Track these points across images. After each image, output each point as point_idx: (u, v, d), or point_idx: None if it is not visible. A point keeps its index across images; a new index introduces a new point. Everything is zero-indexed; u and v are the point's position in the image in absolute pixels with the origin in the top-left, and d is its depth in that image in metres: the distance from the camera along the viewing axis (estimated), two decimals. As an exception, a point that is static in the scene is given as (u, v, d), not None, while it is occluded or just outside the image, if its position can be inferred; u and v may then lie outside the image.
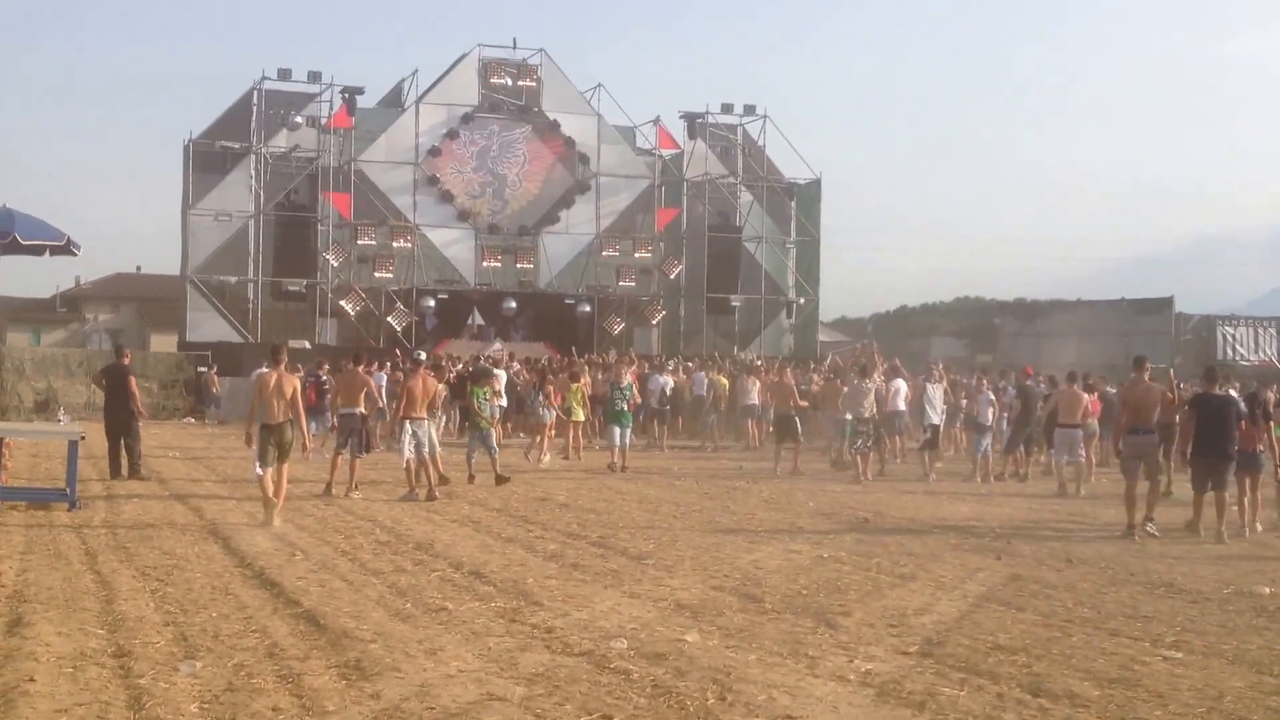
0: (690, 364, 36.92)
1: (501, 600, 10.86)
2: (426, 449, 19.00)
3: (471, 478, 20.60)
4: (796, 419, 25.74)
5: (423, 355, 21.51)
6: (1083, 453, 22.36)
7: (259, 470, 15.71)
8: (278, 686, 7.79)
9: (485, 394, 21.26)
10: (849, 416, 24.33)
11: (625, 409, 24.88)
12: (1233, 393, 18.43)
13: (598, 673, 8.34)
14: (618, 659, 8.72)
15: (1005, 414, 26.55)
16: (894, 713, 7.56)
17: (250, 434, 16.08)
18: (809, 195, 50.60)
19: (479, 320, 47.60)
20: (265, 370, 16.56)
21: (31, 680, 7.63)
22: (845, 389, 25.30)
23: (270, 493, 15.52)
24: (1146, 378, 17.45)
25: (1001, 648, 9.38)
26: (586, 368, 31.77)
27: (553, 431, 26.86)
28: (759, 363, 38.29)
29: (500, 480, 20.25)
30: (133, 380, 21.12)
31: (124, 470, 20.30)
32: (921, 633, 9.90)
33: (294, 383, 16.21)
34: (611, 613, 10.42)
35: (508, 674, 8.24)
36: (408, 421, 18.89)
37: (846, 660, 8.89)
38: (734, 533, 15.92)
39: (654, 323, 48.87)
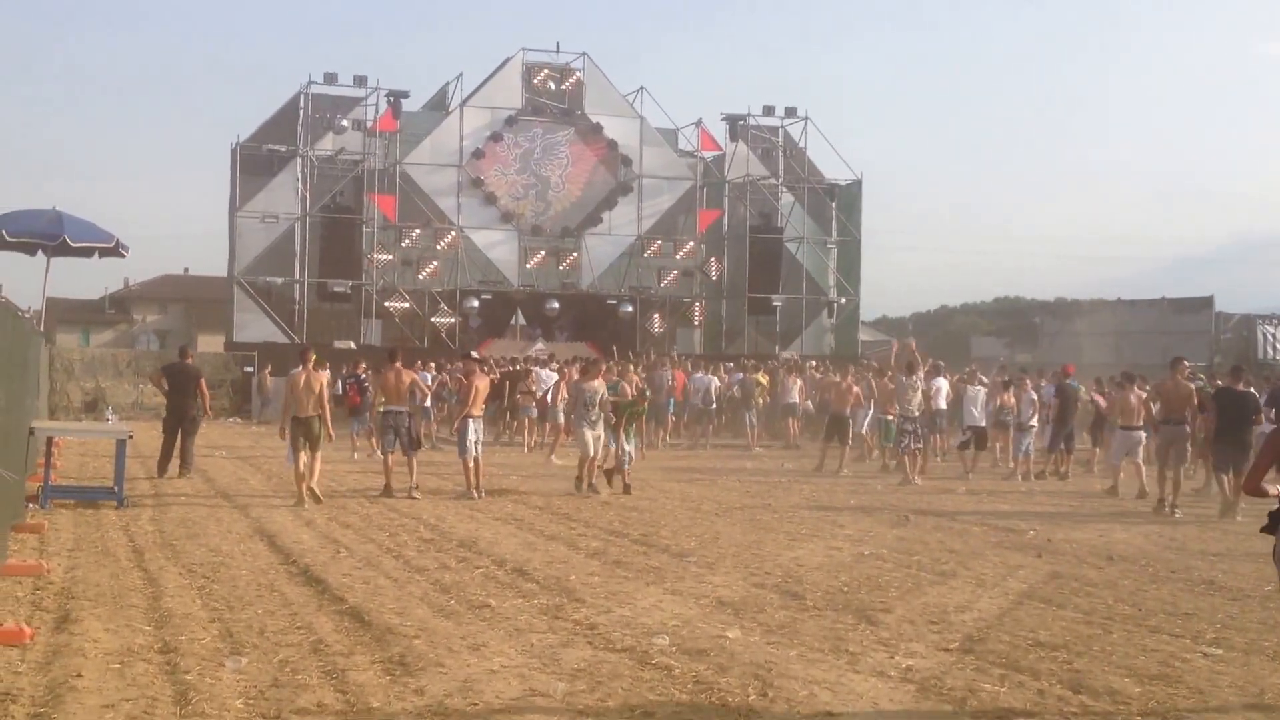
0: (730, 364, 37.00)
1: (544, 597, 10.92)
2: (481, 447, 19.22)
3: (627, 488, 19.85)
4: (850, 420, 25.79)
5: (477, 355, 21.52)
6: (1140, 455, 21.95)
7: (290, 459, 17.83)
8: (322, 682, 7.86)
9: (637, 411, 20.88)
10: (888, 416, 24.33)
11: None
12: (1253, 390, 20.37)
13: (639, 669, 8.38)
14: (659, 655, 8.75)
15: (1046, 413, 26.41)
16: (934, 709, 7.57)
17: (284, 427, 17.91)
18: (850, 196, 50.47)
19: (522, 321, 47.72)
20: (296, 371, 18.25)
21: (79, 676, 7.73)
22: (886, 387, 25.32)
23: (301, 478, 17.29)
24: (1181, 377, 19.78)
25: (1042, 644, 9.37)
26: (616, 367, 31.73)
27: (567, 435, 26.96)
28: (812, 363, 38.33)
29: (625, 489, 19.74)
30: (203, 381, 21.43)
31: (174, 468, 20.52)
32: (962, 629, 9.90)
33: (321, 381, 18.04)
34: (653, 609, 10.47)
35: (550, 670, 8.29)
36: (470, 420, 19.04)
37: (887, 656, 8.90)
38: (775, 530, 15.95)
39: (696, 323, 48.83)
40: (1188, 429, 19.93)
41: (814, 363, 38.86)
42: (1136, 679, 8.37)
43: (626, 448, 20.13)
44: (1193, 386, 20.09)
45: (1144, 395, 21.85)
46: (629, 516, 16.99)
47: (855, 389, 26.33)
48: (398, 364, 19.58)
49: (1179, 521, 18.05)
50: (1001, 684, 8.17)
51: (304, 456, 17.44)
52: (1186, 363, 20.01)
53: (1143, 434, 21.31)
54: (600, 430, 19.63)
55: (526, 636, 9.28)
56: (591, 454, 19.60)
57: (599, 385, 19.90)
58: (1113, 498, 21.02)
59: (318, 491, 17.56)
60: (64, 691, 7.37)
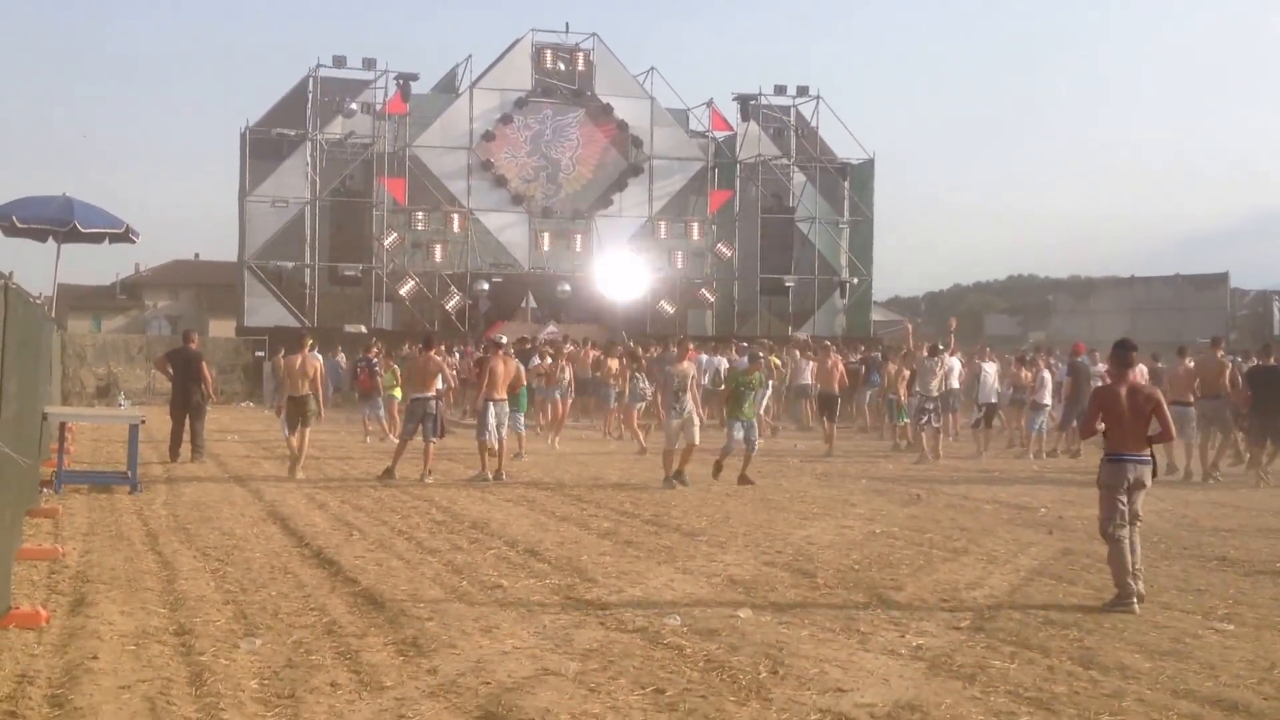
0: (744, 344, 36.95)
1: (556, 577, 10.97)
2: (504, 430, 19.28)
3: (745, 478, 18.47)
4: (838, 399, 25.86)
5: (504, 339, 21.43)
6: (1192, 431, 21.42)
7: (286, 433, 19.47)
8: (336, 663, 7.91)
9: (755, 381, 19.31)
10: (900, 395, 24.36)
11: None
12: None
13: (651, 648, 8.42)
14: (671, 635, 8.79)
15: (1059, 391, 26.38)
16: (945, 685, 7.59)
17: (280, 406, 19.95)
18: (862, 175, 50.33)
19: (533, 303, 47.75)
20: (292, 355, 19.87)
21: (95, 658, 7.78)
22: (896, 369, 25.35)
23: (295, 451, 18.94)
24: (1219, 355, 21.12)
25: (1053, 622, 9.40)
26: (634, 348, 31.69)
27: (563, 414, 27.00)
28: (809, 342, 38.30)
29: (744, 480, 18.41)
30: (205, 365, 21.43)
31: (187, 452, 20.59)
32: (973, 607, 9.92)
33: (315, 364, 19.48)
34: (665, 589, 10.51)
35: (562, 650, 8.33)
36: (490, 403, 19.07)
37: (898, 635, 8.93)
38: (786, 510, 15.97)
39: (708, 304, 48.78)
40: (1224, 402, 20.83)
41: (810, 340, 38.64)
42: (1147, 655, 8.39)
43: (737, 436, 18.41)
44: (1228, 362, 21.19)
45: (1190, 368, 21.81)
46: (640, 497, 17.03)
47: (841, 368, 26.39)
48: (430, 350, 19.57)
49: (1211, 486, 19.77)
50: (1012, 660, 8.20)
51: (300, 432, 19.06)
52: (1223, 343, 21.61)
53: (1192, 410, 21.19)
54: (689, 417, 18.29)
55: (538, 617, 9.32)
56: (677, 445, 18.40)
57: (688, 368, 19.05)
58: (1172, 474, 20.62)
59: (300, 474, 18.75)
60: (80, 673, 7.42)
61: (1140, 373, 21.45)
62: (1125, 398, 10.32)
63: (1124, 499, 10.17)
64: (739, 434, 18.39)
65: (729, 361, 33.07)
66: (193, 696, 7.08)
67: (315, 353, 20.78)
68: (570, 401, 28.23)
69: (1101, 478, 10.35)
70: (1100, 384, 25.27)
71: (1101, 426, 10.48)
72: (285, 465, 19.43)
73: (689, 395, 18.48)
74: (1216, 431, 20.98)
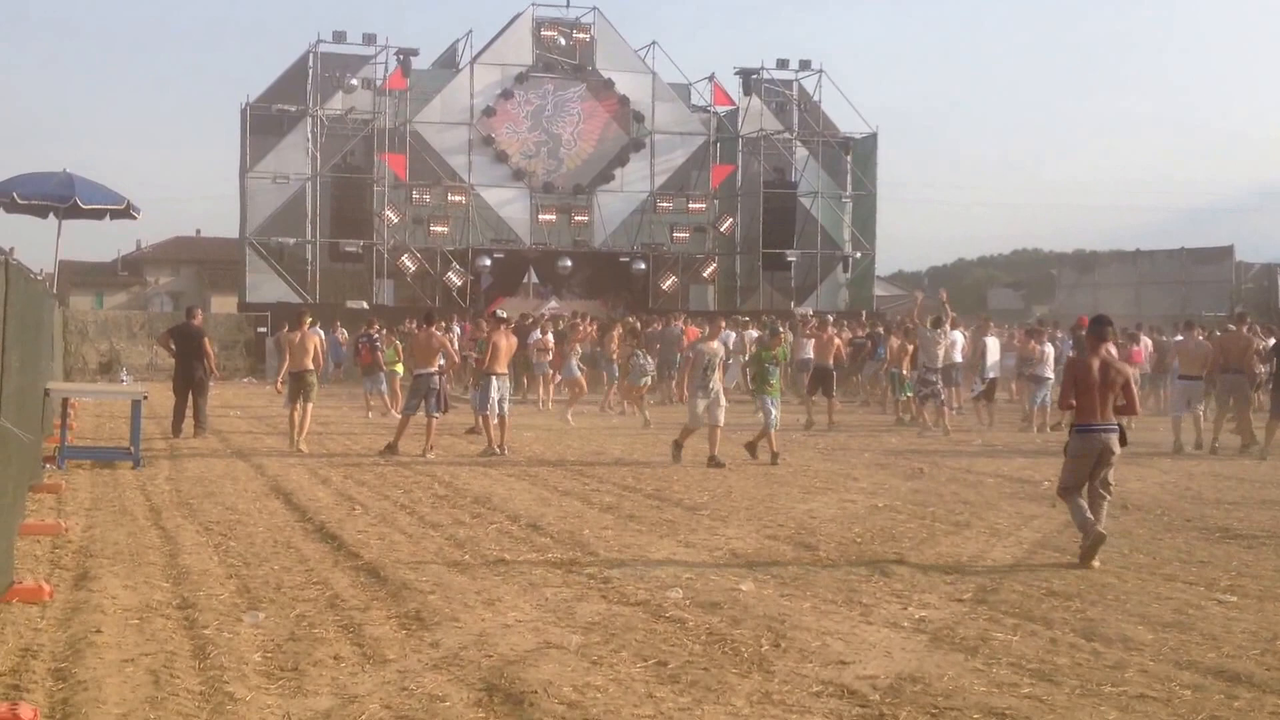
0: (745, 319, 36.88)
1: (558, 551, 10.98)
2: (508, 405, 19.26)
3: (775, 456, 18.25)
4: (834, 372, 25.84)
5: (503, 314, 21.40)
6: (1201, 405, 21.80)
7: (287, 405, 19.90)
8: (339, 636, 7.92)
9: (779, 355, 19.44)
10: (903, 369, 24.35)
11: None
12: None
13: (653, 621, 8.42)
14: (673, 608, 8.80)
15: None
16: (947, 658, 7.59)
17: (281, 380, 20.41)
18: (865, 149, 50.15)
19: (534, 279, 47.67)
20: (293, 331, 20.67)
21: (99, 632, 7.79)
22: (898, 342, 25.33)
23: (296, 425, 19.35)
24: (1243, 329, 21.47)
25: (1056, 593, 9.40)
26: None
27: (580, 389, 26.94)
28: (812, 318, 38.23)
29: (774, 458, 18.17)
30: (207, 341, 21.42)
31: (190, 427, 20.62)
32: (976, 580, 9.93)
33: (314, 340, 20.25)
34: (667, 563, 10.51)
35: (565, 623, 8.34)
36: (492, 377, 19.05)
37: (900, 607, 8.94)
38: (789, 484, 15.98)
39: (709, 279, 48.67)
40: (1246, 377, 21.09)
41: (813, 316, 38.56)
42: (1150, 626, 8.39)
43: (774, 411, 18.37)
44: (1252, 338, 21.48)
45: (1207, 342, 21.85)
46: (642, 472, 17.03)
47: (837, 341, 26.40)
48: (430, 326, 19.58)
49: (1216, 458, 19.76)
50: (1014, 633, 8.20)
51: (300, 407, 19.53)
52: (1249, 319, 22.54)
53: (1200, 384, 21.33)
54: (716, 398, 17.95)
55: (541, 590, 9.33)
56: (703, 424, 18.05)
57: (717, 347, 18.64)
58: (1178, 452, 20.47)
59: (303, 446, 19.16)
60: (84, 647, 7.44)
61: (1147, 347, 21.63)
62: (1097, 371, 10.81)
63: (1085, 468, 10.84)
64: (771, 409, 18.31)
65: (734, 335, 33.18)
66: (196, 670, 7.09)
67: (316, 328, 21.27)
68: (584, 376, 28.08)
69: (1070, 447, 10.99)
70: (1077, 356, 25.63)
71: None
72: (287, 440, 19.47)
73: (717, 375, 18.16)
74: (1234, 404, 21.00)
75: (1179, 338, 26.95)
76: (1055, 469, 17.48)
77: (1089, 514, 10.70)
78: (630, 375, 26.01)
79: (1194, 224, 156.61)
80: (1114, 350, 25.47)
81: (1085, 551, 10.58)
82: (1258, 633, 8.28)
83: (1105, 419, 10.82)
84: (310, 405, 19.77)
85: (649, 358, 26.24)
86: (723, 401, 18.08)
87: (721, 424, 18.10)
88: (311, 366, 19.75)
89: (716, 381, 18.03)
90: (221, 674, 6.98)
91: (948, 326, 24.32)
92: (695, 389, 18.05)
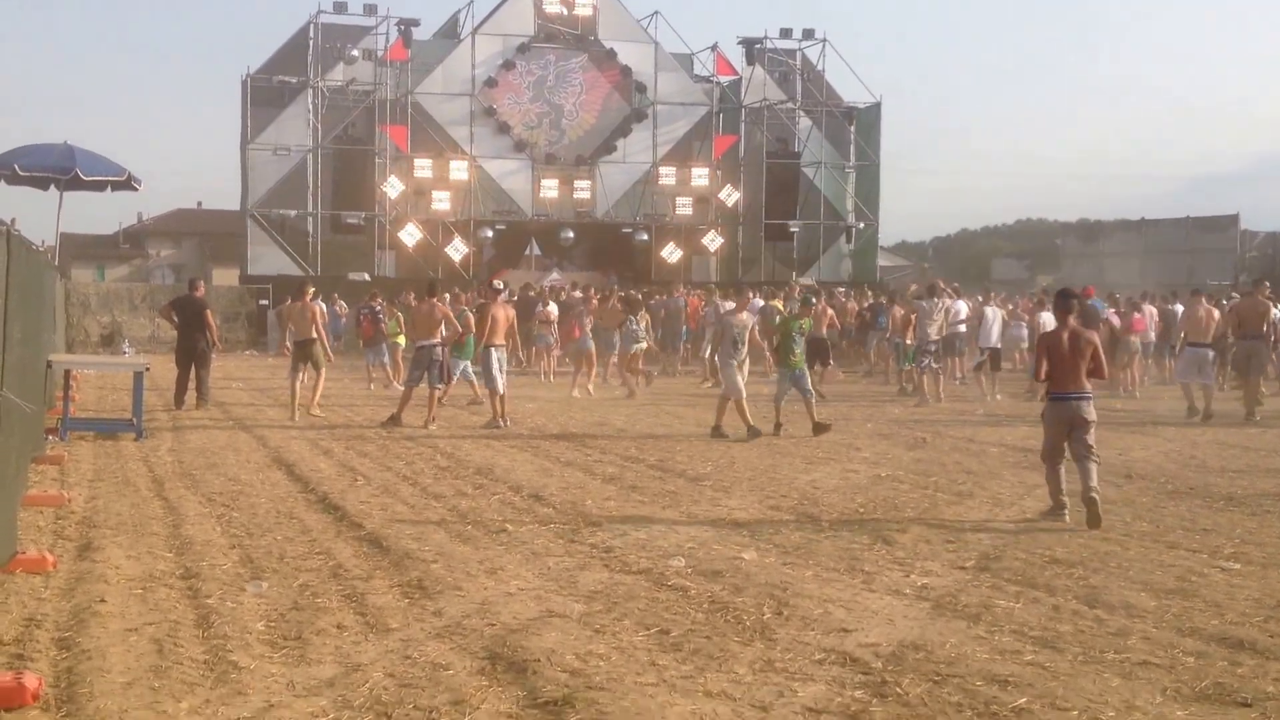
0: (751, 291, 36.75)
1: (560, 521, 10.99)
2: (504, 376, 19.22)
3: (779, 426, 18.26)
4: (828, 343, 25.86)
5: (500, 284, 21.31)
6: (1212, 373, 21.84)
7: (289, 378, 20.26)
8: (342, 605, 7.93)
9: (806, 326, 19.32)
10: (905, 339, 24.34)
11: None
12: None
13: (655, 590, 8.43)
14: (675, 577, 8.81)
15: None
16: (949, 625, 7.60)
17: (285, 348, 20.74)
18: (869, 119, 49.95)
19: (537, 250, 47.60)
20: (296, 302, 20.72)
21: (102, 601, 7.80)
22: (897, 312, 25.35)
23: (297, 395, 19.83)
24: (1261, 296, 21.63)
25: (1058, 561, 9.40)
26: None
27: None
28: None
29: (819, 429, 17.94)
30: (209, 313, 21.38)
31: (192, 399, 20.63)
32: (978, 548, 9.93)
33: (316, 310, 20.43)
34: (669, 532, 10.52)
35: (567, 592, 8.35)
36: (492, 349, 19.02)
37: (903, 575, 8.95)
38: (791, 454, 15.99)
39: (715, 254, 48.54)
40: (1263, 342, 21.62)
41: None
42: (1152, 593, 8.39)
43: (798, 384, 18.29)
44: (1269, 305, 21.74)
45: (1214, 311, 21.80)
46: (645, 443, 17.04)
47: (830, 311, 26.42)
48: (433, 298, 19.55)
49: (1260, 425, 19.85)
50: (1017, 600, 8.20)
51: (303, 377, 20.07)
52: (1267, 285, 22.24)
53: (1210, 351, 21.30)
54: (741, 367, 17.97)
55: (543, 560, 9.34)
56: (743, 393, 17.86)
57: (747, 318, 18.66)
58: (1194, 416, 20.51)
59: (316, 410, 19.85)
60: (88, 616, 7.45)
61: (1153, 316, 21.61)
62: (1067, 341, 11.31)
63: (1066, 434, 11.29)
64: (788, 383, 18.24)
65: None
66: (200, 639, 7.10)
67: (319, 300, 21.52)
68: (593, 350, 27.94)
69: (1045, 414, 11.62)
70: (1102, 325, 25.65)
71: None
72: (288, 411, 19.50)
73: (745, 347, 18.07)
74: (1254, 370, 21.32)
75: (1178, 306, 27.02)
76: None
77: (1063, 484, 11.32)
78: (622, 342, 25.93)
79: (1199, 193, 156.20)
80: (1116, 320, 25.65)
81: (1045, 514, 11.38)
82: (1261, 600, 8.27)
83: (1078, 387, 11.29)
84: (321, 371, 20.25)
85: (641, 325, 26.15)
86: (745, 372, 18.11)
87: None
88: (314, 336, 19.95)
89: (745, 353, 18.05)
90: (225, 643, 6.98)
91: (945, 298, 24.32)
92: (727, 360, 17.96)
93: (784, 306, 32.17)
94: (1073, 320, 11.60)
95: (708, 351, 28.18)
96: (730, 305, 24.09)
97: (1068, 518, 11.09)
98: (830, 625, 7.57)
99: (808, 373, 18.96)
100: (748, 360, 18.26)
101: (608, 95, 47.38)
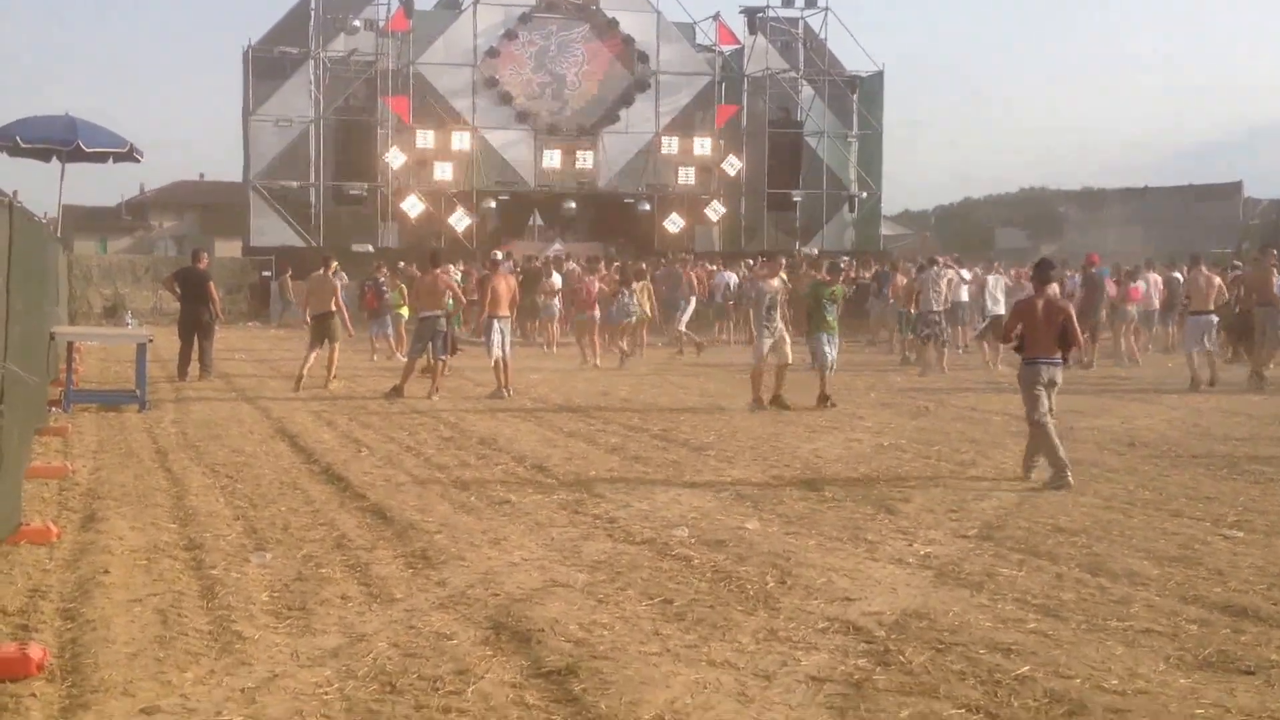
0: (752, 261, 36.75)
1: (564, 492, 11.00)
2: (509, 347, 19.18)
3: (825, 398, 17.76)
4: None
5: (500, 255, 21.32)
6: (1215, 339, 21.86)
7: (308, 349, 20.49)
8: (346, 576, 7.94)
9: (838, 293, 18.83)
10: (909, 309, 24.33)
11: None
12: None
13: (659, 559, 8.44)
14: (679, 546, 8.82)
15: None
16: (952, 594, 7.61)
17: (305, 320, 21.06)
18: (871, 88, 49.82)
19: (539, 221, 47.52)
20: (317, 274, 21.17)
21: (106, 572, 7.82)
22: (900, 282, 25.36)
23: (308, 368, 19.92)
24: (1270, 263, 21.47)
25: (1061, 530, 9.41)
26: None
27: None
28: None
29: (823, 401, 17.68)
30: (212, 285, 21.36)
31: (195, 371, 20.64)
32: (981, 517, 9.94)
33: (333, 285, 20.86)
34: (672, 503, 10.53)
35: (570, 562, 8.36)
36: (494, 320, 18.99)
37: (906, 544, 8.95)
38: (794, 423, 15.98)
39: (714, 220, 48.40)
40: (1275, 309, 21.20)
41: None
42: (1155, 561, 8.40)
43: (827, 351, 17.87)
44: (1275, 272, 21.50)
45: (1214, 278, 21.72)
46: (648, 414, 17.04)
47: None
48: (436, 269, 19.53)
49: (1230, 392, 19.78)
50: (1019, 568, 8.21)
51: (319, 350, 20.41)
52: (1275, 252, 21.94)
53: (1214, 318, 21.24)
54: (781, 336, 17.44)
55: (547, 530, 9.35)
56: (769, 363, 17.53)
57: (776, 284, 17.93)
58: (1197, 388, 20.30)
59: (335, 384, 20.04)
60: (92, 587, 7.47)
61: (1156, 284, 21.44)
62: (1041, 309, 11.80)
63: (1042, 393, 11.67)
64: (827, 349, 17.84)
65: (737, 277, 33.10)
66: (204, 609, 7.12)
67: (338, 275, 22.37)
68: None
69: (1021, 378, 11.94)
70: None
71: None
72: (293, 384, 19.51)
73: (779, 313, 17.61)
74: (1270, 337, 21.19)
75: (1176, 275, 27.00)
76: (1061, 407, 17.57)
77: (1059, 447, 11.54)
78: (614, 314, 25.94)
79: (1202, 161, 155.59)
80: (1113, 289, 25.66)
81: (1049, 482, 11.37)
82: (1264, 568, 8.28)
83: (1050, 353, 11.75)
84: (336, 345, 20.57)
85: (634, 297, 26.13)
86: (788, 339, 17.67)
87: (789, 360, 17.67)
88: (332, 309, 20.45)
89: (778, 319, 17.53)
90: (229, 613, 7.00)
91: (942, 269, 24.27)
92: (760, 328, 17.57)
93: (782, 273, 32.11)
94: (1049, 290, 12.10)
95: (683, 323, 28.26)
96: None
97: (1071, 478, 11.22)
98: (833, 594, 7.58)
99: (838, 341, 18.52)
100: (784, 328, 17.61)
101: (610, 65, 47.18)
